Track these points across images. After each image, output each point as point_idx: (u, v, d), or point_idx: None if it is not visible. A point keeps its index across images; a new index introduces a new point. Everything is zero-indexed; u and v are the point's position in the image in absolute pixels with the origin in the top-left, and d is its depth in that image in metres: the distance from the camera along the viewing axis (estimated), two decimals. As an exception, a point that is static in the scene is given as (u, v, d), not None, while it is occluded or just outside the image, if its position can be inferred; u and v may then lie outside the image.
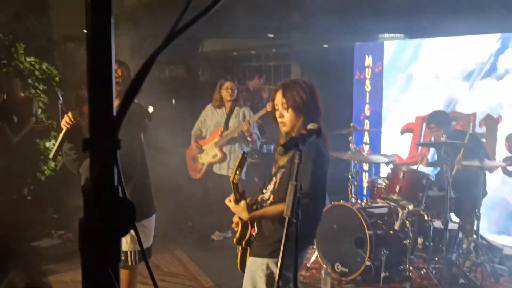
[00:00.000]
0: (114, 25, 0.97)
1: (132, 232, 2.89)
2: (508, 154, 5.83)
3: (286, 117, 2.86)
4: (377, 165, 6.91)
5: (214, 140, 5.97)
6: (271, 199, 2.86)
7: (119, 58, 13.96)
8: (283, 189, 2.78)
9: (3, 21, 7.61)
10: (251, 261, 2.87)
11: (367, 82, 7.19)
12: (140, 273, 3.65)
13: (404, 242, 4.80)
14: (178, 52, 16.24)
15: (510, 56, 5.74)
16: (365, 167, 7.17)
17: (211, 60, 22.09)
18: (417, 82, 6.59)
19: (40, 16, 8.16)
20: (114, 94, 2.85)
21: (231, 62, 24.61)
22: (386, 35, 18.73)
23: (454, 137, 5.05)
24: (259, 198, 2.91)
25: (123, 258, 3.40)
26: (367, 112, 7.24)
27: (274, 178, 2.89)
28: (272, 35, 17.10)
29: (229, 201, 2.83)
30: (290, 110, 2.85)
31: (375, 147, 7.14)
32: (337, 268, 4.95)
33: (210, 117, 6.09)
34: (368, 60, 7.18)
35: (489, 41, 5.92)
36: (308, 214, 2.80)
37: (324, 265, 4.98)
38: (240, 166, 2.74)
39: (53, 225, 6.43)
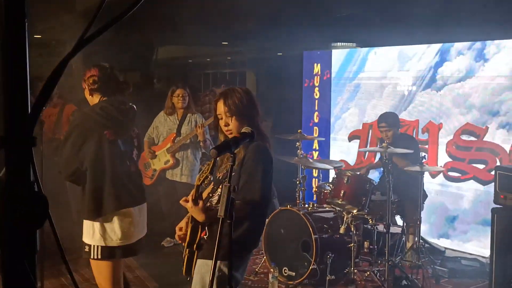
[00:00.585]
0: (27, 25, 1.01)
1: (99, 225, 2.87)
2: (449, 160, 6.05)
3: (231, 125, 2.94)
4: (326, 171, 7.05)
5: (166, 146, 6.00)
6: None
7: (73, 65, 13.87)
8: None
9: None
10: (200, 263, 2.89)
11: (316, 89, 7.34)
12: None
13: (349, 245, 4.92)
14: (133, 59, 16.19)
15: (447, 68, 5.99)
16: (314, 173, 7.30)
17: (166, 67, 22.02)
18: (364, 91, 6.77)
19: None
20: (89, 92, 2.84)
21: (186, 69, 24.63)
22: (338, 44, 19.04)
23: (401, 139, 5.25)
24: (207, 204, 2.94)
25: (86, 250, 3.47)
26: (316, 119, 7.39)
27: (224, 182, 2.92)
28: (226, 43, 17.22)
29: (185, 201, 2.81)
30: (233, 117, 2.93)
31: (324, 153, 7.29)
32: (285, 272, 5.04)
33: (163, 124, 6.12)
34: (317, 68, 7.34)
35: (428, 54, 6.15)
36: (255, 217, 2.89)
37: (272, 269, 5.06)
38: (211, 171, 2.76)
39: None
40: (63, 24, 14.27)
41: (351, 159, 7.01)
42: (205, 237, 2.93)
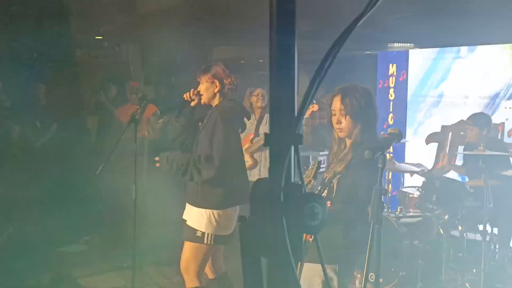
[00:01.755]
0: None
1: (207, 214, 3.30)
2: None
3: (343, 124, 2.86)
4: (398, 175, 6.85)
5: (244, 147, 5.92)
6: (328, 205, 2.83)
7: (130, 67, 13.85)
8: (343, 195, 2.78)
9: (25, 24, 7.61)
10: (307, 267, 2.82)
11: (391, 91, 7.16)
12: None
13: (440, 252, 4.75)
14: (187, 60, 16.26)
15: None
16: (387, 176, 7.12)
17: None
18: (448, 99, 6.53)
19: (61, 21, 8.14)
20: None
21: (238, 70, 24.73)
22: (395, 44, 18.67)
23: (492, 145, 5.03)
24: None
25: (199, 236, 3.61)
26: (391, 121, 7.21)
27: (331, 185, 2.85)
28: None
29: None
30: (348, 116, 2.84)
31: (399, 156, 7.10)
32: (371, 278, 4.89)
33: (240, 124, 6.04)
34: (392, 69, 7.16)
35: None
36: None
37: (358, 275, 4.92)
38: (314, 176, 2.71)
39: (79, 231, 6.37)
40: (122, 27, 14.42)
41: (427, 163, 6.80)
42: (310, 239, 2.85)
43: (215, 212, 3.62)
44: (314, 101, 5.72)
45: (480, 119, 5.32)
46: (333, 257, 2.76)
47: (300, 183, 0.91)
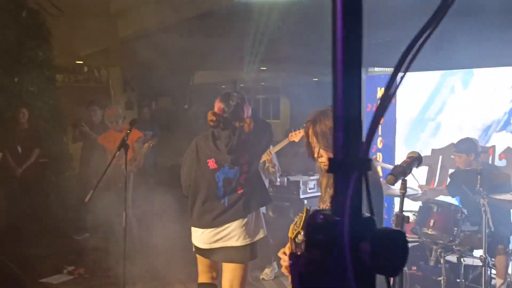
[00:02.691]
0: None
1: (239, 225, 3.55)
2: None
3: (324, 157, 2.55)
4: (390, 199, 6.78)
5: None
6: None
7: (110, 89, 13.76)
8: None
9: (7, 48, 7.45)
10: None
11: (380, 114, 7.11)
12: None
13: (438, 278, 4.64)
14: (168, 83, 16.21)
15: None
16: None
17: (199, 93, 22.04)
18: (445, 130, 6.47)
19: (42, 44, 8.00)
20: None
21: (218, 95, 24.69)
22: (375, 69, 18.80)
23: (486, 169, 4.97)
24: None
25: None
26: (380, 145, 7.15)
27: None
28: (264, 68, 17.16)
29: (283, 254, 2.54)
30: (323, 150, 2.54)
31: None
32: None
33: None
34: (380, 92, 7.12)
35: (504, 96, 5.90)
36: None
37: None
38: (303, 227, 2.44)
39: (63, 260, 6.16)
40: (103, 52, 14.32)
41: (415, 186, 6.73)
42: None
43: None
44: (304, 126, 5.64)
45: (465, 145, 5.26)
46: None
47: (370, 215, 0.79)
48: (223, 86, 24.01)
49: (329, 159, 0.79)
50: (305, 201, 6.42)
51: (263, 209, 5.84)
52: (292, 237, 2.43)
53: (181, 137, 8.59)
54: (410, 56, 0.82)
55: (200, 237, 3.84)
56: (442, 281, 4.64)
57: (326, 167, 2.59)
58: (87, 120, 7.19)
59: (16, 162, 6.94)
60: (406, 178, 1.99)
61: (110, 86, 16.68)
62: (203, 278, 4.02)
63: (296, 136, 5.61)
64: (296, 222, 2.45)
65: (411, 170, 2.06)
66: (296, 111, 21.84)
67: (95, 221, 6.02)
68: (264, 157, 5.64)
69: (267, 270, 5.90)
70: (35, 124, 7.40)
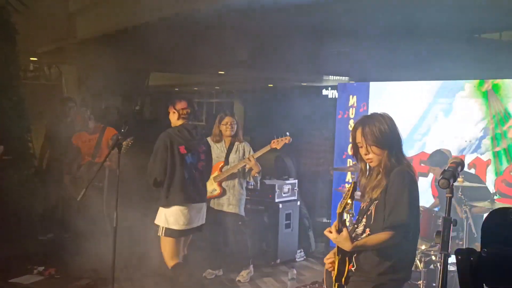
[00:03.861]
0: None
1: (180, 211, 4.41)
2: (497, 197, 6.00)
3: (371, 154, 2.91)
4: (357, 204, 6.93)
5: (213, 175, 5.78)
6: (367, 232, 2.85)
7: (63, 87, 13.45)
8: (379, 222, 2.77)
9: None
10: None
11: (351, 121, 7.27)
12: None
13: (418, 283, 4.78)
14: (119, 84, 16.01)
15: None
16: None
17: (152, 94, 21.80)
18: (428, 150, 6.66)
19: (6, 38, 7.73)
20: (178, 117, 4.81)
21: (172, 97, 24.47)
22: (330, 77, 19.12)
23: (468, 178, 5.16)
24: (353, 234, 2.87)
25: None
26: (350, 152, 7.29)
27: (368, 211, 2.87)
28: (222, 72, 17.15)
29: (329, 232, 2.79)
30: (373, 146, 2.90)
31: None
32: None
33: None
34: (352, 100, 7.27)
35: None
36: (405, 244, 2.79)
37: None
38: (351, 197, 2.70)
39: (30, 261, 5.98)
40: (59, 50, 13.99)
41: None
42: (352, 269, 2.85)
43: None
44: (288, 134, 5.70)
45: (437, 158, 5.46)
46: (377, 285, 2.77)
47: None
48: (176, 89, 23.84)
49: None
50: (280, 205, 6.48)
51: (241, 212, 5.89)
52: (340, 211, 2.72)
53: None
54: None
55: (181, 218, 4.61)
56: (421, 285, 4.78)
57: (374, 164, 2.91)
58: (61, 116, 7.01)
59: (-19, 159, 6.70)
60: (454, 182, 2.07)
61: (63, 84, 16.29)
62: (175, 259, 4.66)
63: (278, 143, 5.67)
64: (344, 196, 2.76)
65: (458, 174, 2.16)
66: (250, 116, 21.96)
67: (72, 221, 5.88)
68: (247, 162, 5.68)
69: (243, 273, 5.91)
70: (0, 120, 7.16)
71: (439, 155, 5.54)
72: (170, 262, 4.66)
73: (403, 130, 3.21)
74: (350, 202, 2.72)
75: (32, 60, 14.82)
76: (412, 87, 6.82)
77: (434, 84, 6.58)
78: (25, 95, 8.60)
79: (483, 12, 6.23)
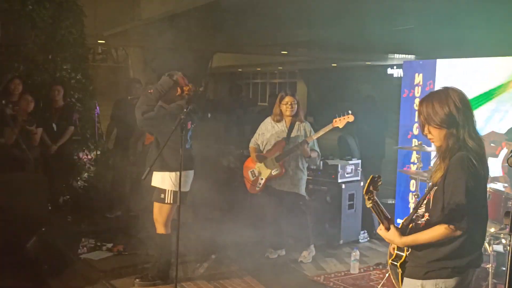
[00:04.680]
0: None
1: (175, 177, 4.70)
2: None
3: (431, 133, 2.75)
4: (423, 185, 6.77)
5: (275, 154, 5.78)
6: (426, 217, 2.73)
7: (129, 69, 13.69)
8: (437, 208, 2.66)
9: (41, 26, 7.42)
10: (405, 282, 2.76)
11: (417, 100, 7.07)
12: None
13: (487, 266, 4.63)
14: (186, 66, 16.17)
15: None
16: (412, 187, 7.02)
17: (215, 75, 22.00)
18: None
19: (75, 21, 7.95)
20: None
21: (235, 78, 24.58)
22: (395, 55, 18.61)
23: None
24: (414, 216, 2.79)
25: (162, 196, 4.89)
26: (416, 131, 7.11)
27: (428, 195, 2.76)
28: (285, 52, 17.10)
29: (380, 230, 2.75)
30: (430, 126, 2.72)
31: (425, 167, 7.00)
32: None
33: (270, 131, 5.91)
34: (418, 78, 7.06)
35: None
36: (469, 227, 2.63)
37: None
38: (368, 191, 2.61)
39: (99, 238, 6.19)
40: (126, 32, 14.28)
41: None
42: (407, 253, 2.78)
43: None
44: (350, 112, 5.61)
45: None
46: (427, 272, 2.67)
47: None
48: (240, 70, 24.03)
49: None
50: (343, 186, 6.41)
51: (303, 192, 5.86)
52: (368, 207, 2.70)
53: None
54: None
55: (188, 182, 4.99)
56: (490, 269, 4.62)
57: (437, 144, 2.75)
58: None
59: (51, 139, 6.95)
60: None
61: (129, 66, 16.67)
62: (168, 227, 4.97)
63: (341, 122, 5.60)
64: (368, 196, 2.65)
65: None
66: (313, 96, 21.79)
67: (137, 200, 6.04)
68: (301, 145, 5.66)
69: (305, 253, 5.90)
70: (69, 102, 7.40)
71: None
72: (163, 229, 4.95)
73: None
74: (367, 196, 2.62)
75: (100, 42, 15.23)
76: (484, 64, 6.53)
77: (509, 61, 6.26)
78: (94, 77, 8.84)
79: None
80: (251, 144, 6.03)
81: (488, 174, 2.73)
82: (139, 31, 14.31)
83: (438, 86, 6.82)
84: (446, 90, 2.75)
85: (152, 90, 4.93)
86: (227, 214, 6.59)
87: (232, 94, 12.17)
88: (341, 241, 6.41)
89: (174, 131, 4.47)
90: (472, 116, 2.71)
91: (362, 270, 5.61)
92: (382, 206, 2.73)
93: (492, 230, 4.68)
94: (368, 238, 6.72)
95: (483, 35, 7.27)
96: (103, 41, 14.59)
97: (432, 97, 2.76)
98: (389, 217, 2.74)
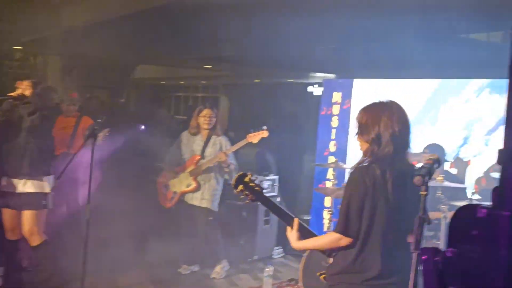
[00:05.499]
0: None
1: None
2: (478, 197, 5.94)
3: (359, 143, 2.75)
4: (337, 201, 6.85)
5: (189, 169, 5.67)
6: None
7: (47, 77, 13.22)
8: None
9: None
10: None
11: (334, 118, 7.18)
12: None
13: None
14: (104, 76, 15.86)
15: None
16: (326, 203, 7.09)
17: (138, 87, 21.61)
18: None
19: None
20: None
21: (158, 90, 24.25)
22: (316, 74, 18.96)
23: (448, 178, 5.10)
24: None
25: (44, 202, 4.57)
26: (333, 148, 7.21)
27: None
28: (209, 66, 17.02)
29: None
30: (358, 135, 2.73)
31: (339, 184, 7.09)
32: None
33: (186, 144, 5.81)
34: (337, 97, 7.18)
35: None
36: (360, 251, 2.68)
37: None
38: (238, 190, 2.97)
39: None
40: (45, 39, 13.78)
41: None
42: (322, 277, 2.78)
43: None
44: (265, 127, 5.57)
45: (432, 150, 5.41)
46: (332, 285, 2.66)
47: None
48: (163, 82, 23.67)
49: (500, 151, 0.74)
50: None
51: (214, 207, 5.76)
52: None
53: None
54: None
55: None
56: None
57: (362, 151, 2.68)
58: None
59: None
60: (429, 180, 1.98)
61: (47, 75, 16.08)
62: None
63: (255, 137, 5.54)
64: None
65: (434, 171, 2.06)
66: (236, 111, 21.83)
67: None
68: (219, 157, 5.56)
69: (217, 268, 5.81)
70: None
71: (435, 148, 5.47)
72: (40, 237, 4.60)
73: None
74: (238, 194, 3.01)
75: (16, 48, 14.60)
76: (403, 85, 6.72)
77: (429, 83, 6.47)
78: (7, 84, 8.42)
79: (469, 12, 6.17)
80: (167, 158, 5.90)
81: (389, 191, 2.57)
82: (58, 38, 13.80)
83: (354, 105, 6.99)
84: (381, 102, 2.72)
85: None
86: (139, 229, 6.38)
87: (152, 107, 12.00)
88: (256, 257, 6.37)
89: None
90: (395, 128, 2.59)
91: (275, 286, 5.57)
92: (279, 205, 2.99)
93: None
94: (283, 254, 6.71)
95: (403, 57, 7.49)
96: (21, 47, 14.01)
97: (363, 107, 2.80)
98: (293, 217, 2.85)
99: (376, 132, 2.58)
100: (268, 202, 3.03)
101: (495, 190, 0.73)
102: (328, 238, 2.66)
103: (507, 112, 0.73)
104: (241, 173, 2.96)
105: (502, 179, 0.76)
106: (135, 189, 6.62)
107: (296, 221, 2.83)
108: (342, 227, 2.55)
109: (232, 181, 2.92)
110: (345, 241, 2.56)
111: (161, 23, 10.95)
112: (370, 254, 2.60)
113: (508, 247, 0.70)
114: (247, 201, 2.87)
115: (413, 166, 2.63)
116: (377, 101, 2.74)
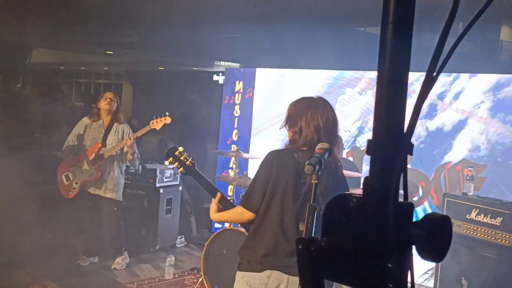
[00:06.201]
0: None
1: None
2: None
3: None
4: (240, 190, 6.93)
5: (90, 157, 5.51)
6: None
7: None
8: None
9: None
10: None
11: (237, 107, 7.23)
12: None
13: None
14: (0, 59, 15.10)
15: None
16: (230, 191, 7.14)
17: (35, 72, 20.69)
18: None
19: None
20: None
21: (57, 76, 23.31)
22: (221, 63, 19.03)
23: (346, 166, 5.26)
24: None
25: None
26: (235, 137, 7.26)
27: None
28: (111, 52, 16.55)
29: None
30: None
31: (241, 173, 7.16)
32: None
33: (87, 132, 5.63)
34: (239, 86, 7.23)
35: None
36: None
37: (213, 292, 4.82)
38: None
39: None
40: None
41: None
42: None
43: None
44: (167, 114, 5.52)
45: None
46: (241, 263, 2.82)
47: (410, 202, 0.79)
48: (62, 68, 22.77)
49: (369, 141, 0.78)
50: (161, 190, 6.33)
51: (118, 197, 5.66)
52: None
53: (15, 117, 8.00)
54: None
55: None
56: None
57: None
58: None
59: None
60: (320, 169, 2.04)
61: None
62: None
63: (157, 123, 5.47)
64: None
65: (325, 160, 2.12)
66: (139, 99, 21.44)
67: None
68: (125, 143, 5.45)
69: (118, 259, 5.72)
70: None
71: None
72: None
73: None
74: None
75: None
76: (303, 75, 6.87)
77: (327, 74, 6.64)
78: None
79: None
80: (65, 146, 5.70)
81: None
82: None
83: (257, 94, 7.07)
84: (302, 97, 2.86)
85: None
86: (37, 220, 6.15)
87: (50, 93, 11.54)
88: (157, 246, 6.31)
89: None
90: (301, 122, 2.76)
91: (176, 276, 5.56)
92: (208, 179, 3.22)
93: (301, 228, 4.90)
94: (185, 243, 6.70)
95: (304, 47, 7.66)
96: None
97: (294, 103, 2.90)
98: (217, 190, 3.05)
99: (300, 124, 2.71)
100: (198, 176, 3.28)
101: (365, 179, 0.77)
102: (235, 211, 2.84)
103: (375, 104, 0.77)
104: (172, 146, 3.26)
105: (370, 169, 0.80)
106: (32, 178, 6.37)
107: (218, 194, 3.00)
108: (244, 201, 2.73)
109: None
110: (247, 215, 2.71)
111: (57, 6, 10.52)
112: (266, 232, 2.70)
113: (375, 236, 0.75)
114: (178, 172, 3.16)
115: (337, 159, 2.75)
116: (306, 96, 2.91)
